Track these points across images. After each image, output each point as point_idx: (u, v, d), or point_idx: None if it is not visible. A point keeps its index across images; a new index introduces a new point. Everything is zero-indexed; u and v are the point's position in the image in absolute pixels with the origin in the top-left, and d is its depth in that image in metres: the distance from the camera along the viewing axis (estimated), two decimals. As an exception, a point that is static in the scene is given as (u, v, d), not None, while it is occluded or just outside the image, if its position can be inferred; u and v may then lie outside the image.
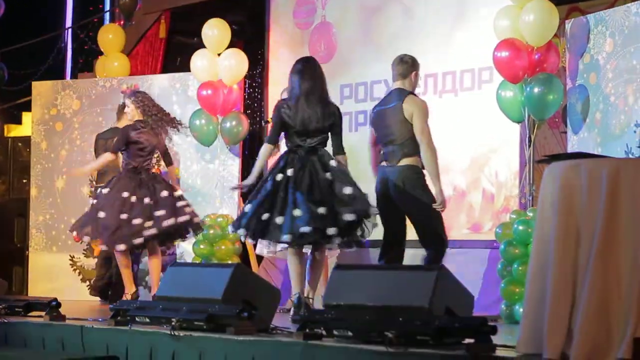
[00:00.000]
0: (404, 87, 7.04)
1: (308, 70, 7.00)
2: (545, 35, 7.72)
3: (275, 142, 7.14)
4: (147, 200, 8.26)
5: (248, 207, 6.86)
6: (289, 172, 6.83)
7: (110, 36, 10.95)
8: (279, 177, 6.83)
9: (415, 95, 7.05)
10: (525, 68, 7.75)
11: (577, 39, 7.77)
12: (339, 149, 7.00)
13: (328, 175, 6.82)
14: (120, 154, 8.55)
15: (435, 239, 6.94)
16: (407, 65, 7.08)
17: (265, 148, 7.09)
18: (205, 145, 9.73)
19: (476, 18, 8.67)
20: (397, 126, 6.92)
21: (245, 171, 9.90)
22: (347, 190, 6.75)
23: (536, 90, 7.68)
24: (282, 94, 7.91)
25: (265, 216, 6.77)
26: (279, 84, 9.44)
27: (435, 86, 8.92)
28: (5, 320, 6.60)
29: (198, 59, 9.74)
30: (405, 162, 6.91)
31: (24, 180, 11.57)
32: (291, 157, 6.92)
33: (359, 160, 7.73)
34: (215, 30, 9.75)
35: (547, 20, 7.70)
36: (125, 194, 8.24)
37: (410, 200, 6.91)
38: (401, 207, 6.96)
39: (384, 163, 7.02)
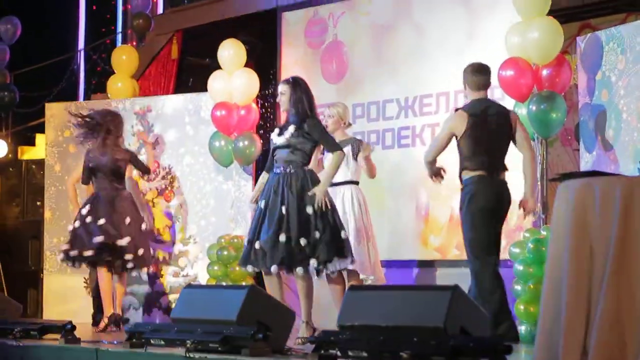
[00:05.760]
0: None
1: None
2: (551, 53, 7.70)
3: None
4: None
5: None
6: None
7: (124, 57, 10.95)
8: None
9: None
10: (530, 86, 7.74)
11: (588, 56, 7.76)
12: None
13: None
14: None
15: None
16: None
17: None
18: (224, 166, 9.73)
19: (488, 35, 8.66)
20: None
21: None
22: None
23: (538, 107, 7.67)
24: None
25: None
26: (291, 103, 9.43)
27: (447, 104, 8.91)
28: (20, 344, 6.60)
29: (215, 81, 9.75)
30: None
31: (38, 203, 11.60)
32: None
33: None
34: (231, 51, 9.74)
35: (552, 37, 7.68)
36: None
37: None
38: None
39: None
